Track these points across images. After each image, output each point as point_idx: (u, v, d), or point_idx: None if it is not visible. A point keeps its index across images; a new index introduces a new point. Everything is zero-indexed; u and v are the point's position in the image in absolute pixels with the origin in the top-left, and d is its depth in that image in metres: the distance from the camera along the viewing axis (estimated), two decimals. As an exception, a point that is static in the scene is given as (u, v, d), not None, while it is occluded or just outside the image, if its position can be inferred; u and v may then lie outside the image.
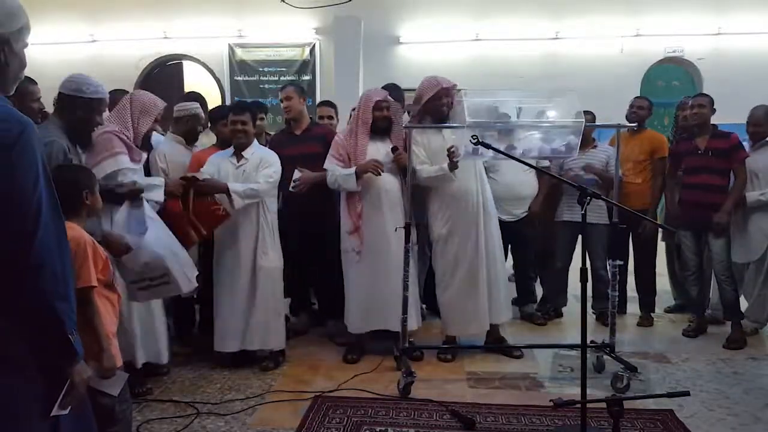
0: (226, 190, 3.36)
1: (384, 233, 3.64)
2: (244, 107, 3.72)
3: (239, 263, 3.52)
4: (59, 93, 2.79)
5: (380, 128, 3.71)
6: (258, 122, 4.15)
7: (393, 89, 4.18)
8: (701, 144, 4.03)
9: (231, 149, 3.64)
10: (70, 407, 1.47)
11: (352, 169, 3.59)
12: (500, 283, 3.78)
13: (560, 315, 4.61)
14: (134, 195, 2.89)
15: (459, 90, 3.63)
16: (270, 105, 6.29)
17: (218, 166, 3.57)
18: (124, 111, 3.09)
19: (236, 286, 3.53)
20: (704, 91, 4.53)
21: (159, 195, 3.16)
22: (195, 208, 3.34)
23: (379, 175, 3.59)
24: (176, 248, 2.96)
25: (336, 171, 3.66)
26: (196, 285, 3.08)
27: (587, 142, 4.30)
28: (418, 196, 3.89)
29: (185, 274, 2.93)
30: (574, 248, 4.36)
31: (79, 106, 2.73)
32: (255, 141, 3.70)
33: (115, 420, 2.19)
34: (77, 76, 2.78)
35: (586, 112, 4.27)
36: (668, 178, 4.33)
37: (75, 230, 2.07)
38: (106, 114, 3.04)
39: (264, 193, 3.50)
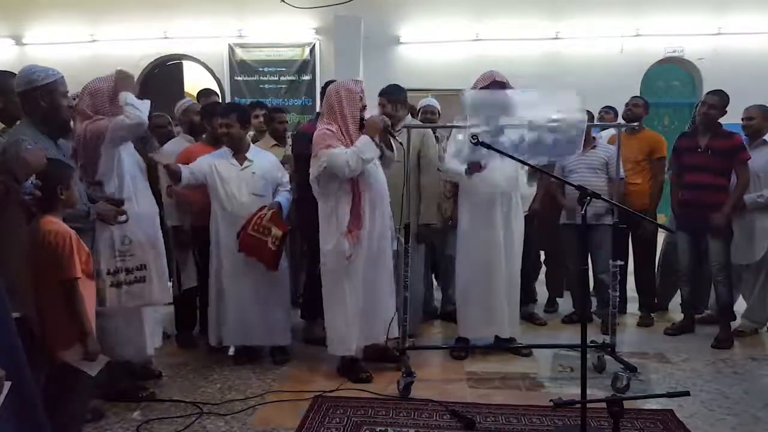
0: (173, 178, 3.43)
1: (376, 239, 3.37)
2: (230, 109, 3.73)
3: (245, 259, 3.50)
4: (17, 94, 2.61)
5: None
6: (254, 120, 4.29)
7: (395, 90, 3.99)
8: (702, 142, 4.01)
9: (226, 150, 3.61)
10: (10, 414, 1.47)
11: (365, 137, 3.24)
12: (516, 292, 3.78)
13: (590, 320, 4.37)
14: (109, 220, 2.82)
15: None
16: (270, 104, 6.26)
17: (216, 167, 3.54)
18: (86, 109, 2.96)
19: (243, 282, 3.53)
20: (704, 92, 4.52)
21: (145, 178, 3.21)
22: (245, 240, 3.41)
23: (389, 126, 3.36)
24: (161, 252, 3.05)
25: (346, 149, 3.20)
26: (170, 300, 3.08)
27: (587, 141, 4.30)
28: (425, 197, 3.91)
29: (162, 278, 2.98)
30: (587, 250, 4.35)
31: (39, 97, 2.56)
32: (249, 141, 3.73)
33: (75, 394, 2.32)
34: (24, 70, 2.59)
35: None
36: (672, 175, 4.33)
37: (58, 225, 2.22)
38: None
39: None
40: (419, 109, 4.58)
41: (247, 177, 3.55)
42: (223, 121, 3.58)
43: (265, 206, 3.50)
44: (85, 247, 2.27)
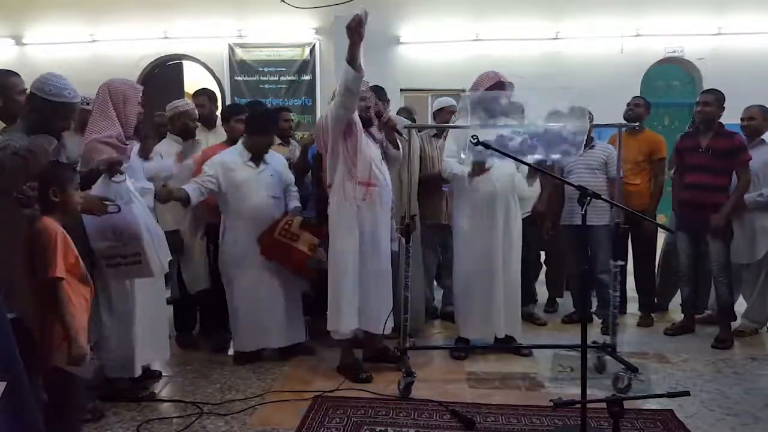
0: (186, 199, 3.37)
1: (371, 235, 3.38)
2: (268, 122, 3.75)
3: (263, 264, 3.51)
4: (29, 92, 2.57)
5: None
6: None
7: (377, 91, 3.90)
8: (703, 142, 4.01)
9: (240, 151, 3.58)
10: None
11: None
12: (516, 291, 3.77)
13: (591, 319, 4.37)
14: (112, 168, 2.73)
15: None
16: (270, 105, 6.27)
17: (231, 169, 3.51)
18: (105, 105, 2.91)
19: (261, 286, 3.54)
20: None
21: (149, 201, 3.15)
22: (270, 244, 3.42)
23: (395, 125, 3.51)
24: (155, 229, 2.96)
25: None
26: (167, 270, 3.08)
27: (586, 141, 4.28)
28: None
29: (158, 257, 2.90)
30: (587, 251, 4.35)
31: (39, 108, 2.51)
32: None
33: (74, 400, 2.30)
34: (46, 75, 2.56)
35: None
36: (674, 175, 4.34)
37: (47, 222, 2.17)
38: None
39: None
40: (438, 109, 4.55)
41: (266, 179, 3.55)
42: (264, 139, 3.58)
43: (288, 212, 3.55)
44: (74, 250, 2.22)
